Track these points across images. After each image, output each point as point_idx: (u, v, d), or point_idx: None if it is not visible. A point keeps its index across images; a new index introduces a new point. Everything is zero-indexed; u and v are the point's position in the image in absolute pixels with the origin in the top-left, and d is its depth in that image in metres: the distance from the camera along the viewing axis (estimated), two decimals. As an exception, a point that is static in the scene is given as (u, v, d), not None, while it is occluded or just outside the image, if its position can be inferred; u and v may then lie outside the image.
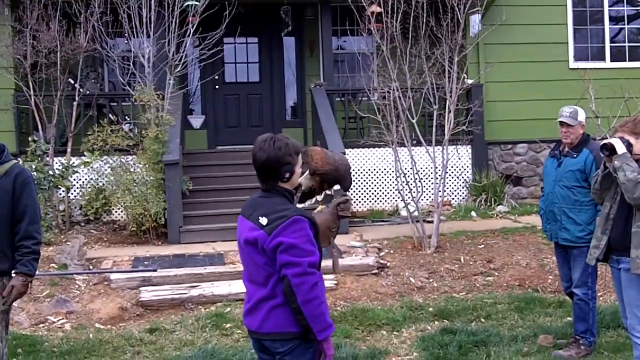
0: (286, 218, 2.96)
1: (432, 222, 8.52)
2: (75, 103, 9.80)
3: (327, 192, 3.91)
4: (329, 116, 10.18)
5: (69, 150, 9.67)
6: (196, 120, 12.02)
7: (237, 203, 8.83)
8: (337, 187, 3.98)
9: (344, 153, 9.34)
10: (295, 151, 3.09)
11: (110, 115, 10.27)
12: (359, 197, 10.77)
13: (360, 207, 10.71)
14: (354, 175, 10.65)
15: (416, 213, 8.37)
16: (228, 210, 9.00)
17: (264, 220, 2.99)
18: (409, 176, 8.80)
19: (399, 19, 8.64)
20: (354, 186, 10.64)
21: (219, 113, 12.10)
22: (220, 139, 11.92)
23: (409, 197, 8.66)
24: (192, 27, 9.42)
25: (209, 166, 10.21)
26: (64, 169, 9.22)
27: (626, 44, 12.01)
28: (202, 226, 8.96)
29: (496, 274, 7.45)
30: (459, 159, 10.66)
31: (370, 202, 10.78)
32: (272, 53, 12.24)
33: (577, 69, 10.74)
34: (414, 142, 9.07)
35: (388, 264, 7.62)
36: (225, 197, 9.41)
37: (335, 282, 7.03)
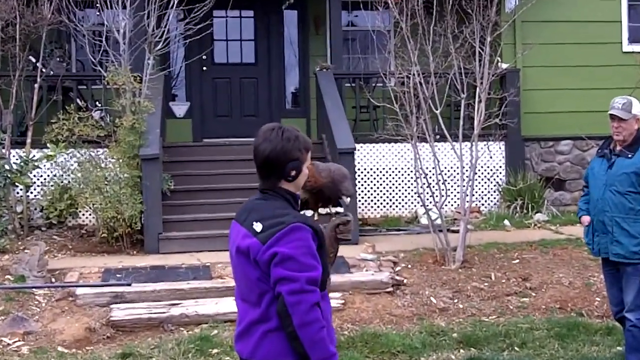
0: (284, 225, 2.93)
1: (457, 231, 8.51)
2: (36, 85, 9.81)
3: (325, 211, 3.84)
4: (336, 104, 10.18)
5: (28, 141, 9.69)
6: (179, 108, 12.03)
7: (226, 206, 8.83)
8: (340, 209, 3.94)
9: (354, 149, 9.36)
10: (305, 147, 3.07)
11: (78, 100, 10.28)
12: (372, 201, 10.76)
13: (372, 213, 10.71)
14: (365, 176, 10.66)
15: (439, 221, 8.36)
16: (216, 214, 9.00)
17: (258, 227, 2.97)
18: (430, 177, 8.79)
19: (421, -9, 8.64)
20: (365, 188, 10.64)
21: (207, 100, 12.11)
22: (207, 130, 11.93)
23: (430, 202, 8.66)
24: (177, -3, 9.43)
25: (194, 162, 10.22)
26: (22, 163, 9.22)
27: (691, 24, 11.99)
28: (185, 233, 8.97)
29: (533, 294, 7.45)
30: (491, 157, 10.65)
31: (384, 207, 10.77)
32: (270, 29, 12.25)
33: (632, 52, 10.74)
34: (438, 136, 9.06)
35: (405, 280, 7.62)
36: (212, 199, 9.42)
37: (343, 301, 7.02)
